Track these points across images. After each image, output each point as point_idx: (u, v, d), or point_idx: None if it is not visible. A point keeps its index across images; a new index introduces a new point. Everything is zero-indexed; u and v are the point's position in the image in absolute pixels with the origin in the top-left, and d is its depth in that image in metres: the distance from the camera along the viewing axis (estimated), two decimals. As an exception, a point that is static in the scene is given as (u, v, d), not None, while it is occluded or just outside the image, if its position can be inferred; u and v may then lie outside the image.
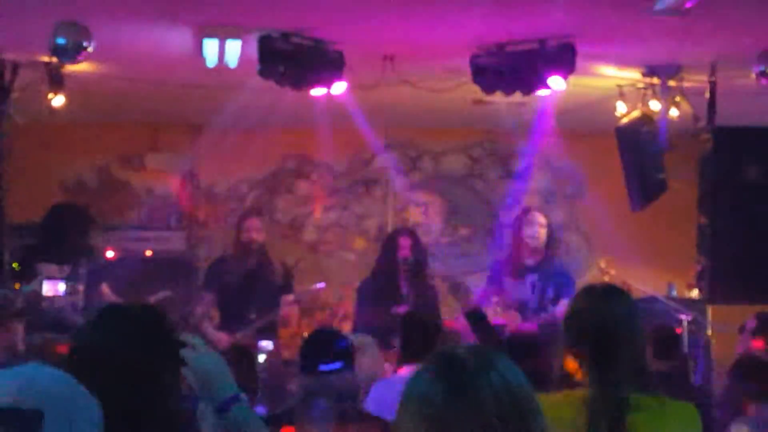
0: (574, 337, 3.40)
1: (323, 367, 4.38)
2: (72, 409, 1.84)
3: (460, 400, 1.85)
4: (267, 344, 8.62)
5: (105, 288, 9.03)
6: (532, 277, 8.86)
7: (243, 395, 2.75)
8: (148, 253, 11.02)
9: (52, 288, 8.30)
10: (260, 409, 6.61)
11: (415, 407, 1.88)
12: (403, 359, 6.20)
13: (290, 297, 9.15)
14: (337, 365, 4.38)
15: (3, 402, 1.78)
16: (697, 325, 9.31)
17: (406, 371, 6.04)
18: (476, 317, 5.80)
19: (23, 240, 9.45)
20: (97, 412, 1.89)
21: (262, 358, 8.19)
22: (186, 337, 2.75)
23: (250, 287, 8.99)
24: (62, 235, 9.11)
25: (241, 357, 6.47)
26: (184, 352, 2.65)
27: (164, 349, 2.63)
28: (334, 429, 4.36)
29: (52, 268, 8.85)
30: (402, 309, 8.18)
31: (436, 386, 1.87)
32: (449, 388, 1.86)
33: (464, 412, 1.84)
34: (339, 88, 8.41)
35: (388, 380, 5.78)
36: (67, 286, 8.53)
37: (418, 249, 9.03)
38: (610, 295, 3.48)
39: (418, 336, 6.17)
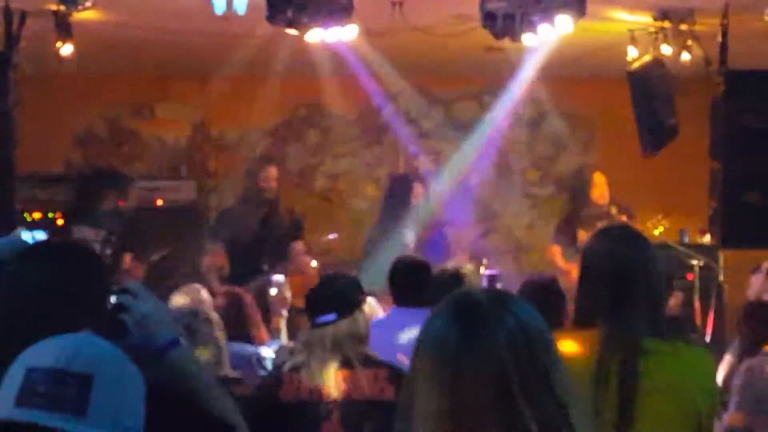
0: (590, 277, 3.37)
1: (320, 319, 4.41)
2: (120, 377, 1.95)
3: (474, 340, 1.85)
4: (279, 278, 8.53)
5: (127, 258, 8.99)
6: None
7: (183, 341, 2.77)
8: (159, 202, 11.04)
9: None
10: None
11: (431, 348, 1.88)
12: (395, 303, 6.19)
13: (299, 244, 9.03)
14: (332, 317, 4.38)
15: (55, 363, 1.89)
16: (709, 271, 9.31)
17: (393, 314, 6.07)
18: None
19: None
20: (142, 385, 2.00)
21: (274, 291, 8.14)
22: (126, 283, 2.80)
23: (261, 237, 8.88)
24: (99, 199, 9.10)
25: (233, 302, 6.58)
26: (123, 298, 2.69)
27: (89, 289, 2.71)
28: (343, 376, 4.38)
29: (88, 231, 8.87)
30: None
31: (450, 327, 1.87)
32: (464, 330, 1.86)
33: (479, 352, 1.83)
34: (348, 34, 8.34)
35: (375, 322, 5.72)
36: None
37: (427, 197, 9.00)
38: (628, 236, 3.44)
39: (407, 280, 6.14)
